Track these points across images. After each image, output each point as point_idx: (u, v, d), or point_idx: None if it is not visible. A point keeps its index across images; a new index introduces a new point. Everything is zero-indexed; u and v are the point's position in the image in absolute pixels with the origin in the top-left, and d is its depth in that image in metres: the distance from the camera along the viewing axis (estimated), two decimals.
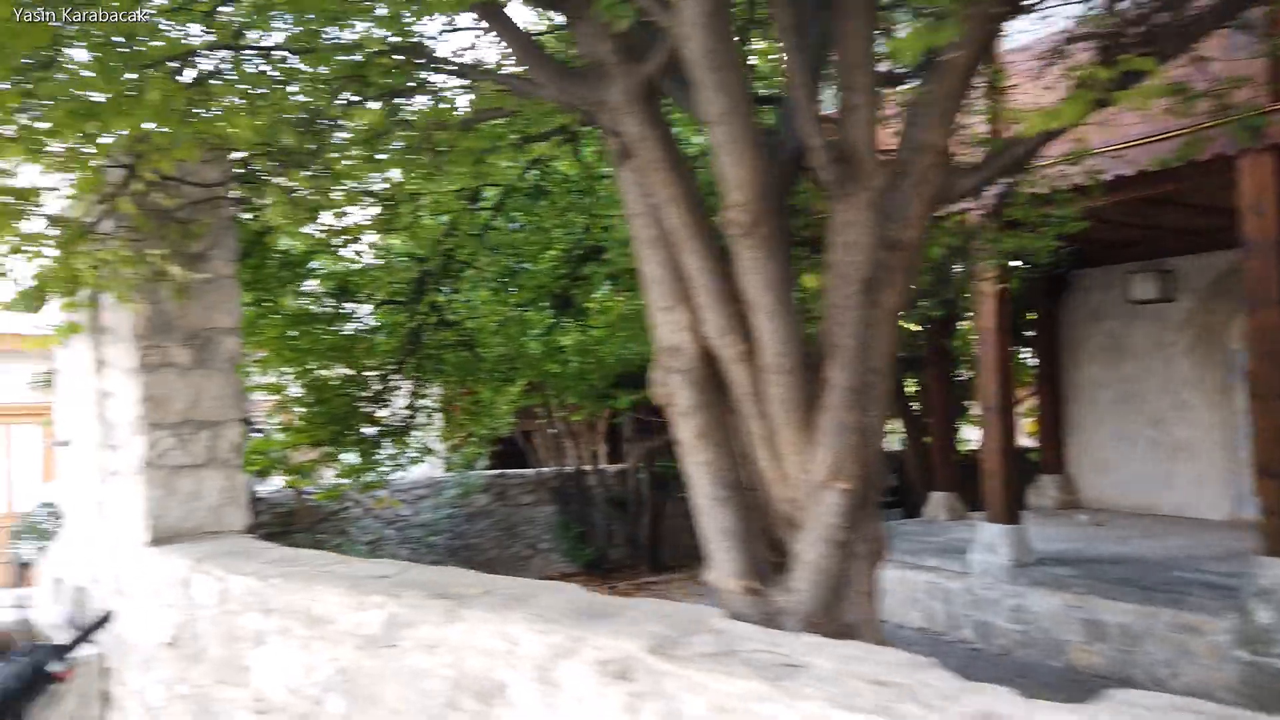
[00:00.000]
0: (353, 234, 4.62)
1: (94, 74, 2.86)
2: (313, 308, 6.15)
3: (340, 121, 3.34)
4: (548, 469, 11.82)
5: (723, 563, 2.88)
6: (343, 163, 3.49)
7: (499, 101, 3.41)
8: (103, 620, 2.47)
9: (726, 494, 2.89)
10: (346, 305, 6.14)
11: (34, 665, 2.23)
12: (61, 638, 2.48)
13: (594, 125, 3.35)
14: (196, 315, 4.36)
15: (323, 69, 3.26)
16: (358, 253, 6.09)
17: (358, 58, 3.42)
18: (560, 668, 2.41)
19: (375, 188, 4.29)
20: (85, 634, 2.42)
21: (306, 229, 6.05)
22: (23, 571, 2.54)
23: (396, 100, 3.43)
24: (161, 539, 4.24)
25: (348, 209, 5.15)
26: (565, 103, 3.10)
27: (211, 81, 2.99)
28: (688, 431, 2.95)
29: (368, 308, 6.41)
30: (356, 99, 3.31)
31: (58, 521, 2.52)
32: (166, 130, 2.82)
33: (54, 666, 2.25)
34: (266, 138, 3.10)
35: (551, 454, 11.99)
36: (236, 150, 3.39)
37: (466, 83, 3.64)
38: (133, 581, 4.38)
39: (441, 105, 3.55)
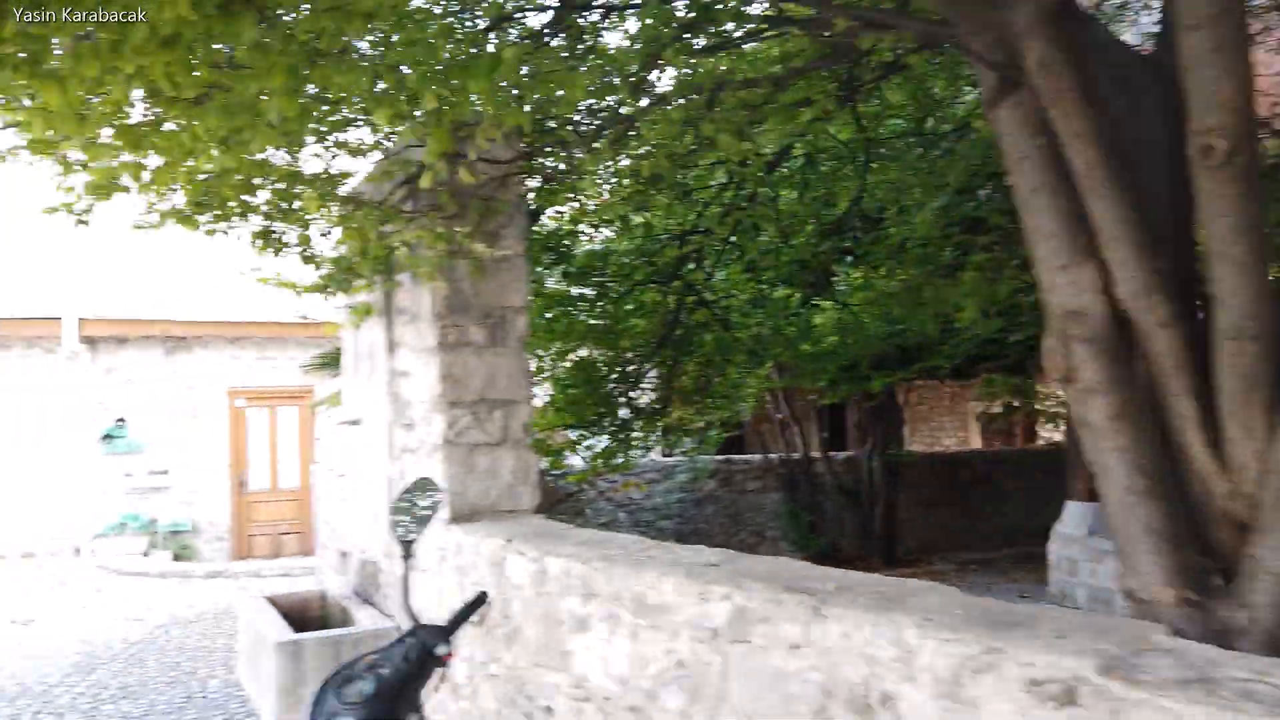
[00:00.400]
0: (618, 209, 4.45)
1: (414, 41, 2.82)
2: (570, 289, 6.14)
3: (667, 75, 3.15)
4: (774, 455, 11.51)
5: (1148, 568, 2.45)
6: (656, 124, 3.30)
7: (823, 49, 3.11)
8: (478, 601, 2.38)
9: (1150, 486, 2.46)
10: (604, 286, 6.08)
11: (423, 647, 2.17)
12: (427, 618, 2.40)
13: (962, 52, 2.92)
14: (491, 294, 4.36)
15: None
16: (616, 232, 6.00)
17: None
18: (974, 684, 2.08)
19: (659, 156, 4.09)
20: (464, 616, 2.34)
21: (559, 208, 5.99)
22: (407, 549, 2.50)
23: (720, 51, 3.20)
24: (461, 517, 4.27)
25: (612, 184, 5.01)
26: (934, 32, 2.76)
27: (550, 40, 2.88)
28: (1098, 412, 2.54)
29: (623, 288, 6.32)
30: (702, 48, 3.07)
31: (433, 500, 2.47)
32: (501, 95, 2.72)
33: (440, 649, 2.18)
34: (593, 98, 2.97)
35: (776, 439, 11.67)
36: (552, 118, 3.30)
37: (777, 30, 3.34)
38: (432, 558, 4.45)
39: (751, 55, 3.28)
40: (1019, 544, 12.24)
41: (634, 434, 6.47)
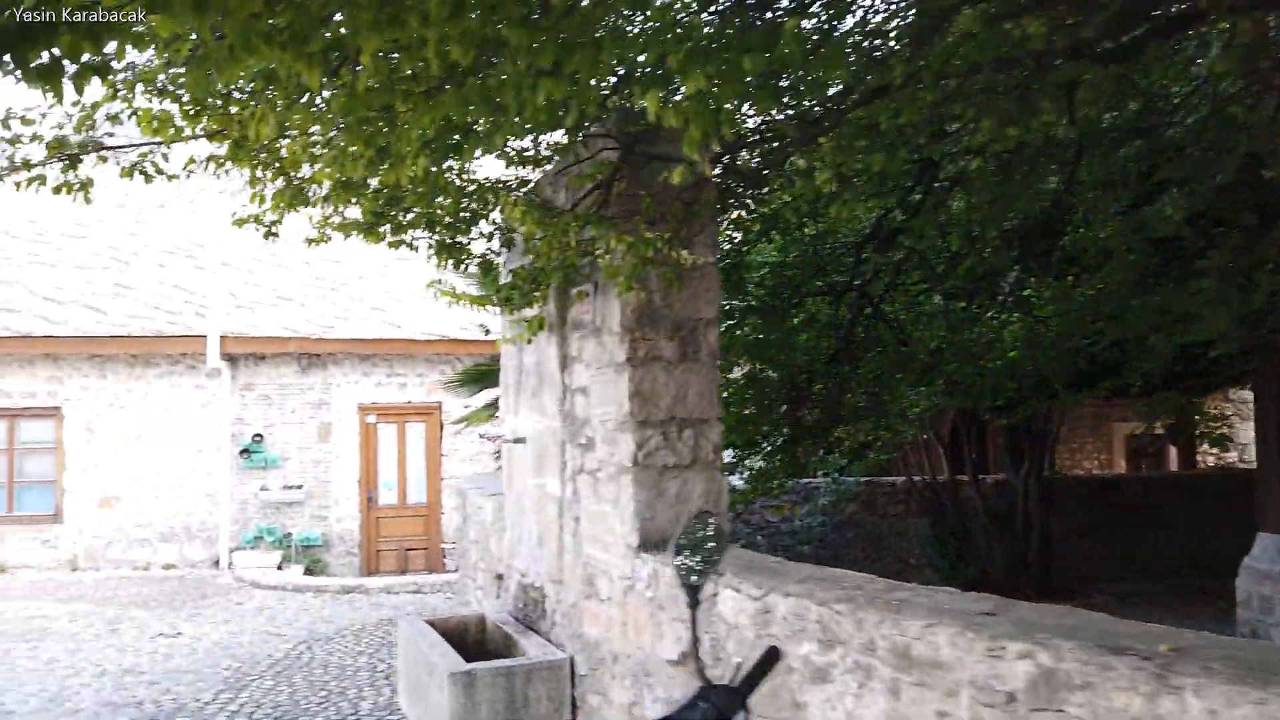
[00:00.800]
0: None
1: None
2: (735, 302, 5.81)
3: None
4: (917, 477, 10.91)
5: None
6: (896, 110, 2.93)
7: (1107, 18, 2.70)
8: (769, 658, 2.05)
9: None
10: (774, 297, 5.72)
11: (719, 714, 1.87)
12: (722, 677, 2.08)
13: None
14: (682, 305, 4.06)
15: None
16: (786, 240, 5.64)
17: None
18: None
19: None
20: (757, 677, 2.03)
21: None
22: (693, 595, 2.19)
23: (1019, 18, 2.77)
24: (650, 544, 3.97)
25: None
26: None
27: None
28: None
29: (791, 300, 5.94)
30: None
31: (718, 536, 2.15)
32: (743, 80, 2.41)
33: (738, 717, 1.87)
34: (852, 78, 2.64)
35: (919, 461, 11.07)
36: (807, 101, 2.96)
37: None
38: (615, 589, 4.16)
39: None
40: (1184, 576, 11.30)
41: (796, 455, 6.09)
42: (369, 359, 13.30)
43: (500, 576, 6.05)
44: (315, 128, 2.65)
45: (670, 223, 3.67)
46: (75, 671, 7.51)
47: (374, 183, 4.24)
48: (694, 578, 2.20)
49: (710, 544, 2.20)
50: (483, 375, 8.89)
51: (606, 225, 3.45)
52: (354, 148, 2.54)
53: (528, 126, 2.57)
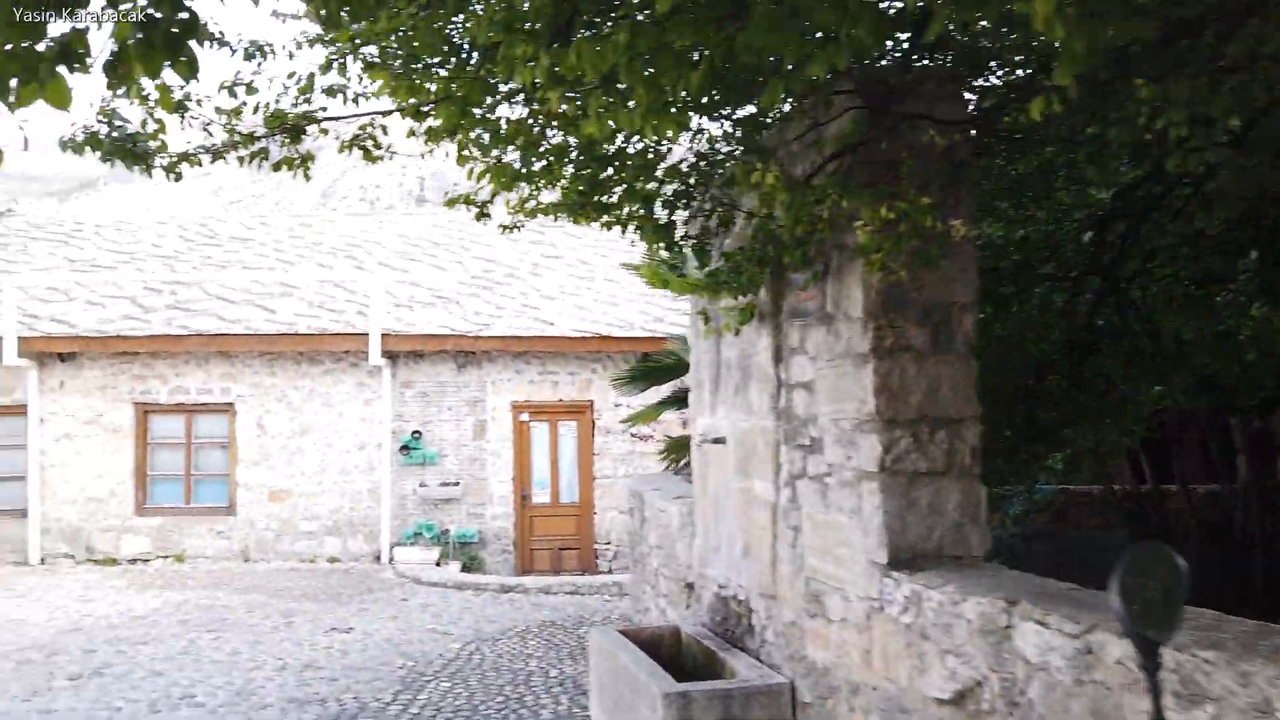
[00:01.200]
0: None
1: None
2: None
3: None
4: (1117, 486, 9.91)
5: None
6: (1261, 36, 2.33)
7: None
8: None
9: None
10: (998, 284, 5.09)
11: None
12: None
13: None
14: (932, 288, 3.54)
15: None
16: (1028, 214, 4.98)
17: None
18: None
19: None
20: None
21: None
22: (1152, 656, 1.70)
23: None
24: (899, 561, 3.48)
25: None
26: None
27: None
28: None
29: (1014, 288, 5.27)
30: None
31: (1180, 579, 1.67)
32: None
33: None
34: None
35: (1116, 469, 10.06)
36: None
37: None
38: (855, 610, 3.68)
39: None
40: None
41: (1021, 459, 5.46)
42: (522, 356, 13.24)
43: (690, 585, 5.65)
44: (581, 74, 2.32)
45: (934, 190, 3.17)
46: (257, 665, 7.60)
47: (572, 162, 3.93)
48: (1156, 632, 1.70)
49: (1168, 583, 1.70)
50: (651, 372, 8.55)
51: (866, 194, 2.98)
52: (638, 91, 2.16)
53: (850, 51, 2.15)
